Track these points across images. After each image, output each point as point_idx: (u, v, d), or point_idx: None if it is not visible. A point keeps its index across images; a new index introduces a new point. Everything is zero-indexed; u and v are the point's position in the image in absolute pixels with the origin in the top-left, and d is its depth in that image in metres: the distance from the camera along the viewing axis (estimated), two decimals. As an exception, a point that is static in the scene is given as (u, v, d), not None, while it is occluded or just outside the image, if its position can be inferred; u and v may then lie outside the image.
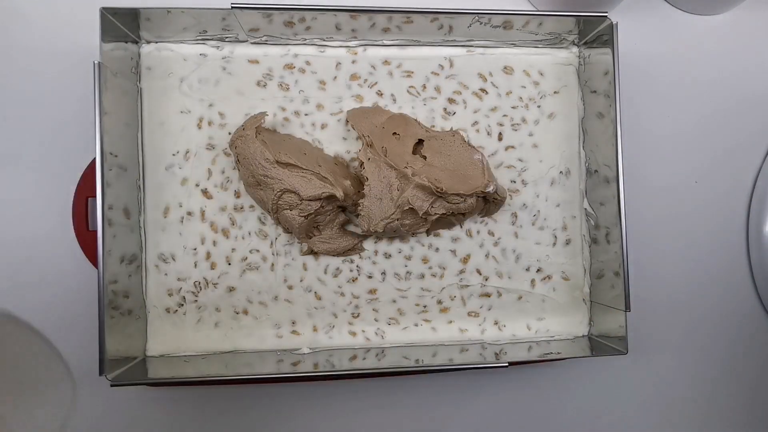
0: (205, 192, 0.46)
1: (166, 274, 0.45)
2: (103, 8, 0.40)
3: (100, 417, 0.47)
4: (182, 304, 0.45)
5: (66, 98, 0.46)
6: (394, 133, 0.45)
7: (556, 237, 0.48)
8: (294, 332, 0.46)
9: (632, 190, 0.46)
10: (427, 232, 0.47)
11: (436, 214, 0.43)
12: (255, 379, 0.42)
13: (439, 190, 0.42)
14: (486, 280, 0.48)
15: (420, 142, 0.45)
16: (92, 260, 0.44)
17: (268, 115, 0.44)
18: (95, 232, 0.39)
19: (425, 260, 0.47)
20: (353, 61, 0.47)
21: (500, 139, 0.48)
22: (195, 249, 0.45)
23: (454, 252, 0.47)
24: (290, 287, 0.46)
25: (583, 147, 0.48)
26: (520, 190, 0.48)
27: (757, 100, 0.53)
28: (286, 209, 0.43)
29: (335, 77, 0.47)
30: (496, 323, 0.48)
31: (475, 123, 0.48)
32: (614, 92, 0.43)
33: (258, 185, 0.43)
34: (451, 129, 0.47)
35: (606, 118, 0.45)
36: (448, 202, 0.43)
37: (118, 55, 0.42)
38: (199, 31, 0.44)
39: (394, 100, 0.47)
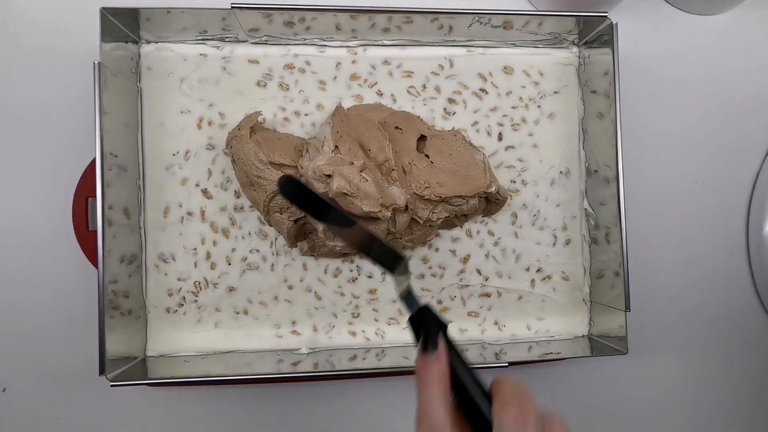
0: (205, 192, 0.46)
1: (166, 274, 0.45)
2: (103, 8, 0.40)
3: (100, 417, 0.47)
4: (182, 304, 0.45)
5: (66, 98, 0.46)
6: (397, 128, 0.45)
7: (556, 237, 0.48)
8: (294, 332, 0.46)
9: (632, 190, 0.46)
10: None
11: (439, 219, 0.43)
12: (255, 379, 0.42)
13: (439, 196, 0.41)
14: (486, 280, 0.48)
15: (422, 138, 0.45)
16: (92, 260, 0.44)
17: (263, 114, 0.44)
18: (95, 232, 0.39)
19: (425, 260, 0.47)
20: (353, 61, 0.47)
21: (500, 139, 0.48)
22: (195, 249, 0.45)
23: (454, 252, 0.47)
24: (290, 287, 0.46)
25: (583, 147, 0.48)
26: (520, 190, 0.48)
27: (757, 100, 0.53)
28: (277, 212, 0.42)
29: (335, 77, 0.47)
30: (496, 323, 0.48)
31: (475, 123, 0.48)
32: (614, 92, 0.43)
33: (252, 186, 0.43)
34: (453, 129, 0.47)
35: (606, 118, 0.45)
36: (450, 205, 0.43)
37: (118, 55, 0.42)
38: (199, 31, 0.44)
39: (394, 100, 0.47)
